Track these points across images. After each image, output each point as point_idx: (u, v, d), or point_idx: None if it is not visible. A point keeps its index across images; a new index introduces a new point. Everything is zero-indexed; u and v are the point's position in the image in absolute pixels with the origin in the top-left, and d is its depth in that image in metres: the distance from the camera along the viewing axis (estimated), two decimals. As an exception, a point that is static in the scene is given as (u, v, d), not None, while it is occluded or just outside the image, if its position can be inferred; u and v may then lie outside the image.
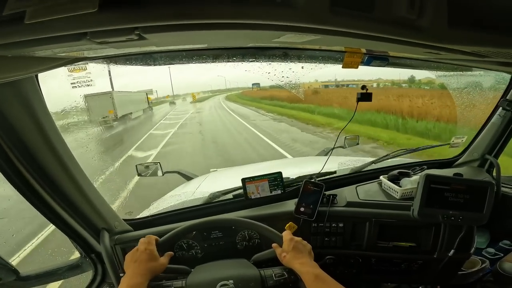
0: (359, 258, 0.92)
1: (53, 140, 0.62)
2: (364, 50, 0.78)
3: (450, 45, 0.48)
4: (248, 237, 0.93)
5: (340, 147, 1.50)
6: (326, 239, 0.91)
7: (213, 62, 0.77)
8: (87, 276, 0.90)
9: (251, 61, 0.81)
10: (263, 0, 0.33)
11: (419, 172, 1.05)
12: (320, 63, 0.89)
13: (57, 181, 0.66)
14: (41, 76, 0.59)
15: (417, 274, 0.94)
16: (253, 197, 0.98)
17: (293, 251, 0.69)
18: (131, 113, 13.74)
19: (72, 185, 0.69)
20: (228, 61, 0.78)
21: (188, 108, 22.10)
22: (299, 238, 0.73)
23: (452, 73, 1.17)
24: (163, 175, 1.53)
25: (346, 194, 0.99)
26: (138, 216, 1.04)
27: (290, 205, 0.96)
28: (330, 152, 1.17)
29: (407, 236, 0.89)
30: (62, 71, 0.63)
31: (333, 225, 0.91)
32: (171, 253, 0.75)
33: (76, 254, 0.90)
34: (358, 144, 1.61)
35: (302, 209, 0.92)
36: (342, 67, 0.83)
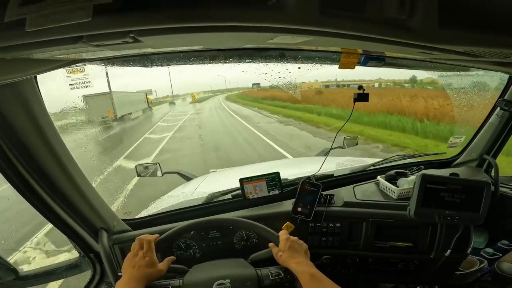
0: (356, 258, 0.92)
1: (51, 140, 0.63)
2: (360, 51, 0.79)
3: (442, 45, 0.48)
4: (246, 237, 0.94)
5: (339, 147, 1.51)
6: (323, 239, 0.91)
7: (210, 63, 0.78)
8: (86, 275, 0.91)
9: (248, 62, 0.81)
10: (254, 3, 0.33)
11: (416, 172, 1.05)
12: (316, 63, 0.90)
13: (56, 181, 0.67)
14: (41, 77, 0.60)
15: (414, 274, 0.94)
16: (251, 197, 0.99)
17: (289, 251, 0.70)
18: (130, 113, 13.77)
19: (70, 185, 0.70)
20: (225, 62, 0.79)
21: (187, 108, 21.29)
22: (295, 238, 0.74)
23: (450, 73, 1.17)
24: (162, 175, 1.54)
25: (344, 194, 0.99)
26: (136, 216, 1.05)
27: (287, 205, 0.96)
28: (327, 153, 1.18)
29: (404, 236, 0.89)
30: (61, 72, 0.64)
31: (330, 225, 0.91)
32: (172, 258, 0.74)
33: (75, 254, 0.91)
34: (357, 144, 1.61)
35: (299, 209, 0.92)
36: (339, 67, 0.83)
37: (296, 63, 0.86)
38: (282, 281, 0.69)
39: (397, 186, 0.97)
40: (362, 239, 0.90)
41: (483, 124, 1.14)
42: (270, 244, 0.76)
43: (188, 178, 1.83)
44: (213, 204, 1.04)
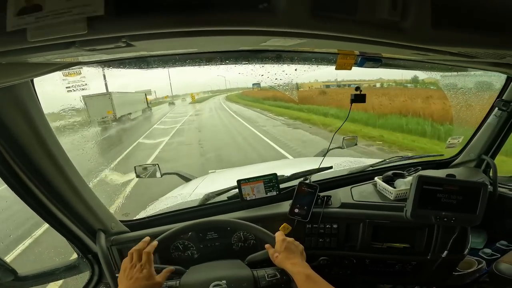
0: (353, 259, 0.92)
1: (48, 142, 0.63)
2: (357, 52, 0.79)
3: (435, 46, 0.48)
4: (244, 238, 0.94)
5: (338, 147, 1.51)
6: (320, 240, 0.91)
7: (206, 65, 0.78)
8: (85, 276, 0.91)
9: (245, 64, 0.82)
10: (245, 7, 0.33)
11: (414, 173, 1.05)
12: (313, 64, 0.90)
13: (53, 183, 0.67)
14: (40, 77, 0.60)
15: (412, 275, 0.94)
16: (248, 198, 0.99)
17: (285, 252, 0.70)
18: (130, 113, 13.78)
19: (67, 186, 0.70)
20: (221, 64, 0.79)
21: (187, 109, 20.17)
22: (291, 239, 0.74)
23: (448, 73, 1.17)
24: (161, 176, 1.54)
25: (341, 195, 0.99)
26: (135, 218, 1.05)
27: (285, 206, 0.97)
28: (325, 153, 1.18)
29: (401, 237, 0.89)
30: (58, 74, 0.65)
31: (327, 226, 0.91)
32: (170, 269, 0.73)
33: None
34: (356, 144, 1.61)
35: (296, 210, 0.93)
36: (336, 68, 0.83)
37: (292, 64, 0.86)
38: (278, 282, 0.70)
39: (394, 187, 0.97)
40: (359, 240, 0.90)
41: (481, 124, 1.14)
42: (267, 245, 0.77)
43: (187, 179, 1.84)
44: (210, 206, 1.04)
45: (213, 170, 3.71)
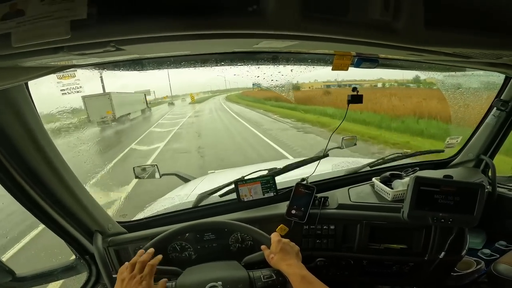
0: (351, 260, 0.92)
1: (43, 144, 0.64)
2: (353, 52, 0.79)
3: (428, 47, 0.47)
4: (241, 239, 0.94)
5: (338, 147, 1.50)
6: (317, 241, 0.91)
7: (202, 66, 0.78)
8: (83, 277, 0.92)
9: (240, 65, 0.81)
10: (234, 10, 0.33)
11: (411, 174, 1.04)
12: (309, 65, 0.89)
13: (49, 184, 0.68)
14: (34, 81, 0.61)
15: (409, 276, 0.94)
16: (245, 199, 0.99)
17: (280, 253, 0.70)
18: (129, 113, 13.83)
19: (63, 188, 0.70)
20: (216, 66, 0.79)
21: (186, 110, 19.34)
22: (287, 240, 0.74)
23: (446, 73, 1.16)
24: (160, 177, 1.54)
25: (338, 196, 0.99)
26: (132, 219, 1.06)
27: (282, 208, 0.96)
28: (323, 154, 1.17)
29: (398, 238, 0.89)
30: (53, 77, 0.65)
31: (324, 227, 0.91)
32: (165, 280, 0.71)
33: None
34: (355, 144, 1.60)
35: (293, 211, 0.92)
36: (332, 69, 0.83)
37: (288, 65, 0.86)
38: (274, 283, 0.70)
39: (392, 188, 0.96)
40: (356, 241, 0.90)
41: (480, 124, 1.13)
42: (262, 247, 0.77)
43: (186, 180, 1.84)
44: (208, 207, 1.04)
45: (213, 171, 3.71)
